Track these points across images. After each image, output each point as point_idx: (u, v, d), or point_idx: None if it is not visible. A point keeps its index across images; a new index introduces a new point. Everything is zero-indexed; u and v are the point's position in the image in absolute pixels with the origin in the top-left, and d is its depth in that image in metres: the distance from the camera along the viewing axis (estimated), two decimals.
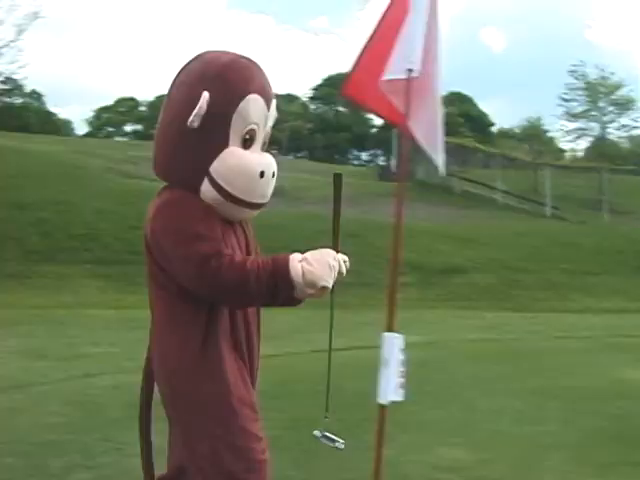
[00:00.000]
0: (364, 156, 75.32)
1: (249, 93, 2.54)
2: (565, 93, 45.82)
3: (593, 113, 46.27)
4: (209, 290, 2.43)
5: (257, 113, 2.58)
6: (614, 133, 47.66)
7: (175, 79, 2.62)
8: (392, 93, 2.11)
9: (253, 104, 2.55)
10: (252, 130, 2.57)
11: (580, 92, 45.93)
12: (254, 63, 2.65)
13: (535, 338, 13.80)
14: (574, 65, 45.67)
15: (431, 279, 22.06)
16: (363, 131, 69.00)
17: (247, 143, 2.57)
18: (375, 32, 2.29)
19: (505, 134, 64.34)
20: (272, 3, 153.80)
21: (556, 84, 49.91)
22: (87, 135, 69.51)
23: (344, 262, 2.52)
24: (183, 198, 2.49)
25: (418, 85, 2.11)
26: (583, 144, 51.05)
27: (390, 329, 2.04)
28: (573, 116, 46.27)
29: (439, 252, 23.84)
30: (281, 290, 2.40)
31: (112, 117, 76.22)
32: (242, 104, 2.52)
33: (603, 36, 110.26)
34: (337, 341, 3.04)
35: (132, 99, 77.22)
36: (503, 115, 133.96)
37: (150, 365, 2.73)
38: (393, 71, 2.12)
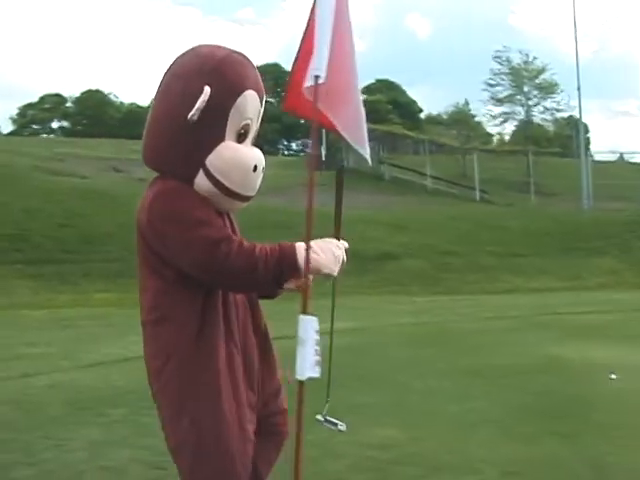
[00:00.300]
0: (294, 146, 75.43)
1: (246, 89, 2.62)
2: (490, 78, 46.43)
3: (518, 97, 46.97)
4: (217, 275, 2.48)
5: (252, 108, 2.66)
6: (539, 116, 48.44)
7: (168, 72, 2.67)
8: (312, 97, 2.28)
9: (249, 99, 2.63)
10: (247, 125, 2.65)
11: (504, 77, 46.57)
12: (247, 58, 2.71)
13: (464, 320, 14.15)
14: (498, 50, 46.36)
15: (367, 266, 22.33)
16: (293, 121, 69.05)
17: (241, 137, 2.65)
18: (299, 50, 2.44)
19: (433, 120, 64.96)
20: None
21: (481, 69, 50.50)
22: (12, 133, 68.22)
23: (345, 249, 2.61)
24: (180, 187, 2.53)
25: (332, 88, 2.26)
26: (510, 128, 51.83)
27: (305, 312, 2.22)
28: (498, 101, 46.83)
29: (372, 239, 24.12)
30: (286, 277, 2.49)
31: (37, 114, 74.85)
32: (239, 99, 2.60)
33: (526, 21, 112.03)
34: (281, 330, 3.20)
35: (58, 95, 75.88)
36: (431, 101, 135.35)
37: None
38: (309, 78, 2.28)
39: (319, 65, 2.18)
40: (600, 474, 4.90)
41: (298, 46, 2.52)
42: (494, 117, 47.79)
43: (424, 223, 27.18)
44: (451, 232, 26.53)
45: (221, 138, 2.58)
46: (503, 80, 46.46)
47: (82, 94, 72.05)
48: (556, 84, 45.89)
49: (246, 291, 2.69)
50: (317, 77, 2.19)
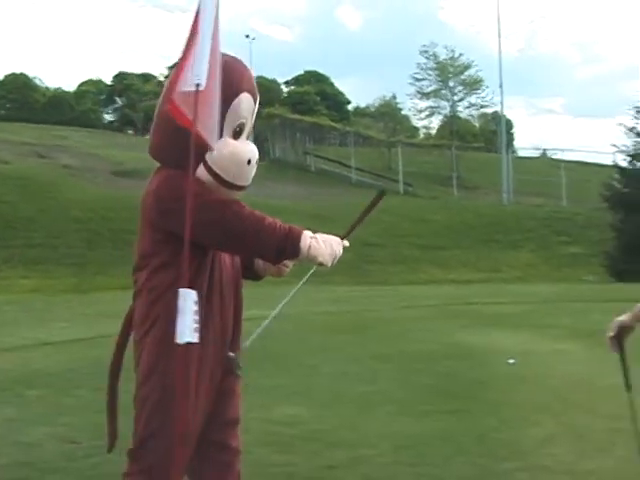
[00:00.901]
0: None
1: (242, 92, 2.97)
2: (417, 73, 47.10)
3: (443, 92, 47.72)
4: (226, 232, 2.81)
5: (247, 109, 3.01)
6: (464, 112, 49.34)
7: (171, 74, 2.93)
8: (183, 103, 2.54)
9: (245, 101, 2.98)
10: (242, 123, 2.99)
11: (431, 72, 47.28)
12: (243, 63, 3.08)
13: (382, 309, 14.62)
14: (425, 45, 47.03)
15: None
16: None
17: (237, 134, 2.99)
18: (183, 49, 2.71)
19: (361, 112, 65.55)
20: None
21: (410, 63, 51.05)
22: None
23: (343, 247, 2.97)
24: (184, 174, 2.77)
25: (203, 96, 2.55)
26: (436, 122, 52.62)
27: (184, 287, 2.55)
28: (424, 95, 47.56)
29: None
30: (287, 253, 2.84)
31: None
32: (236, 101, 2.94)
33: (455, 17, 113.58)
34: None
35: None
36: (359, 94, 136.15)
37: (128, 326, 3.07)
38: (185, 84, 2.54)
39: (199, 73, 2.49)
40: (483, 446, 5.33)
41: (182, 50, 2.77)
42: (420, 111, 48.53)
43: (348, 215, 27.38)
44: (375, 224, 26.93)
45: (219, 135, 2.88)
46: (429, 75, 47.13)
47: (6, 77, 70.56)
48: (481, 80, 46.73)
49: (248, 254, 3.05)
50: (198, 85, 2.49)
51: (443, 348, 9.48)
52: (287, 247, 2.83)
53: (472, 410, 6.35)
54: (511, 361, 8.40)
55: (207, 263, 2.95)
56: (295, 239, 2.84)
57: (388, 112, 49.68)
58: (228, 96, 2.89)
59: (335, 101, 68.17)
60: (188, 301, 2.51)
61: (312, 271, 3.04)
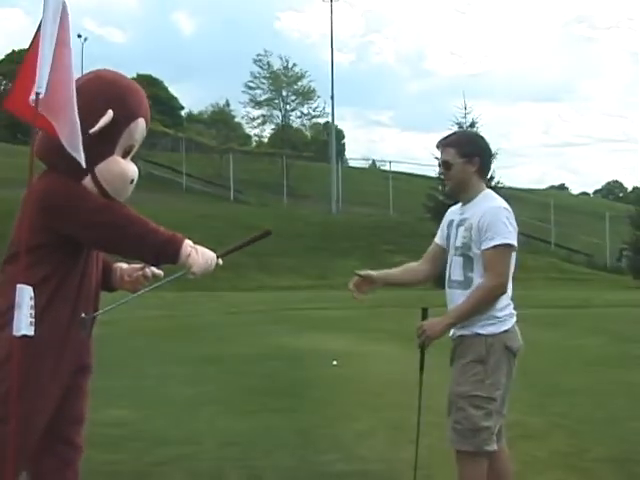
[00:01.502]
0: None
1: (138, 117, 3.18)
2: (250, 81, 47.44)
3: (276, 101, 48.30)
4: (116, 234, 3.01)
5: (140, 133, 3.22)
6: (296, 121, 50.07)
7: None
8: (48, 113, 2.66)
9: (140, 125, 3.20)
10: (132, 145, 3.22)
11: (264, 80, 47.75)
12: (141, 88, 3.29)
13: (210, 314, 14.75)
14: (259, 54, 47.45)
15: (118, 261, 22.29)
16: None
17: (125, 154, 3.19)
18: (28, 52, 2.78)
19: (194, 118, 65.26)
20: None
21: (244, 71, 51.28)
22: None
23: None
24: (72, 181, 3.04)
25: (53, 100, 2.64)
26: (268, 131, 53.10)
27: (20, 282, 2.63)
28: (257, 103, 47.97)
29: None
30: (166, 256, 3.05)
31: None
32: (132, 125, 3.15)
33: (290, 28, 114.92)
34: None
35: None
36: (193, 99, 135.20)
37: None
38: (32, 93, 2.65)
39: (40, 84, 2.59)
40: (306, 440, 5.58)
41: (27, 52, 2.86)
42: (253, 119, 48.89)
43: (177, 221, 27.25)
44: (204, 230, 26.79)
45: (111, 153, 3.12)
46: (263, 84, 47.57)
47: None
48: (313, 90, 47.62)
49: (130, 255, 3.20)
50: (38, 94, 2.59)
51: (269, 351, 9.72)
52: (168, 251, 3.04)
53: (296, 408, 6.58)
54: (335, 362, 8.71)
55: (80, 263, 3.11)
56: (177, 245, 3.04)
57: (221, 119, 49.80)
58: (127, 118, 3.14)
59: (168, 106, 67.32)
60: (25, 297, 2.60)
61: (180, 274, 3.20)
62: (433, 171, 32.87)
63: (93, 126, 3.00)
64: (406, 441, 5.48)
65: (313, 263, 27.47)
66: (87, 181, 3.10)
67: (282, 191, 37.93)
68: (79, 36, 61.33)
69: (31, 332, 2.65)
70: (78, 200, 3.04)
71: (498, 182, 28.89)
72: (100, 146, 3.08)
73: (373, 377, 8.07)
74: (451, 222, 3.87)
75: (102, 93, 3.13)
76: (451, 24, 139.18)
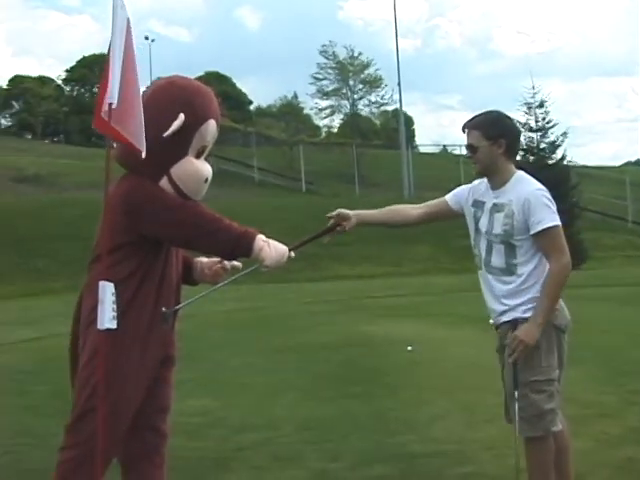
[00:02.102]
0: None
1: (209, 119, 3.38)
2: (317, 72, 47.59)
3: (343, 91, 48.34)
4: (191, 231, 3.20)
5: (211, 134, 3.42)
6: (364, 110, 50.00)
7: (146, 95, 3.27)
8: (119, 125, 2.85)
9: (210, 127, 3.39)
10: (205, 146, 3.42)
11: (331, 71, 47.85)
12: (211, 91, 3.48)
13: (285, 305, 14.97)
14: (324, 45, 47.56)
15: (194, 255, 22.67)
16: None
17: (199, 155, 3.39)
18: (105, 68, 2.97)
19: (263, 112, 65.69)
20: None
21: (310, 63, 51.42)
22: None
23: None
24: (150, 183, 3.27)
25: (122, 111, 2.83)
26: (337, 121, 53.17)
27: (103, 279, 2.82)
28: (325, 94, 48.11)
29: None
30: (240, 250, 3.24)
31: None
32: (203, 127, 3.36)
33: (353, 17, 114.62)
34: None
35: None
36: (261, 93, 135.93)
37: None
38: (106, 103, 2.83)
39: (112, 94, 2.78)
40: (381, 424, 5.73)
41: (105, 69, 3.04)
42: (321, 110, 49.03)
43: (250, 214, 27.67)
44: (277, 223, 27.15)
45: (185, 154, 3.33)
46: (329, 74, 47.66)
47: None
48: (381, 78, 47.52)
49: (206, 251, 3.47)
50: (110, 104, 2.77)
51: (343, 338, 9.87)
52: (242, 246, 3.22)
53: (371, 394, 6.73)
54: (409, 348, 8.81)
55: (161, 260, 3.32)
56: (249, 240, 3.22)
57: (290, 111, 50.04)
58: (198, 120, 3.33)
59: (237, 101, 67.88)
60: (107, 292, 2.80)
61: (254, 267, 3.39)
62: None
63: (167, 130, 3.19)
64: (480, 422, 5.61)
65: (387, 250, 27.50)
66: (164, 182, 3.30)
67: (354, 180, 38.02)
68: (146, 38, 62.20)
69: (114, 326, 2.85)
70: (157, 201, 3.23)
71: (570, 161, 28.53)
72: (174, 148, 3.29)
73: (447, 361, 8.15)
74: (481, 204, 3.83)
75: (174, 98, 3.33)
76: (516, 3, 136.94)
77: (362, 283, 20.90)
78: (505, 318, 3.76)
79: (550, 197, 3.69)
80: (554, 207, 3.68)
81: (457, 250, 27.65)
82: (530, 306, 3.66)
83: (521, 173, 3.82)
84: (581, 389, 6.24)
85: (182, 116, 3.24)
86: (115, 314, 2.88)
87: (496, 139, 3.73)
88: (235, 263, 3.55)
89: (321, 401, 6.50)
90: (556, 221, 3.64)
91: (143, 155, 2.96)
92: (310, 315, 12.82)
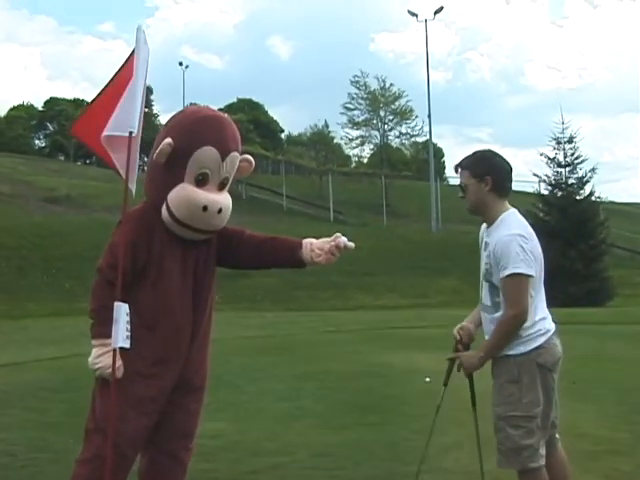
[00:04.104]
0: None
1: (205, 145, 3.35)
2: (348, 102, 47.89)
3: (374, 122, 48.56)
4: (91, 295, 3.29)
5: (210, 161, 3.39)
6: (395, 141, 50.19)
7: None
8: (109, 147, 2.93)
9: (207, 154, 3.36)
10: (204, 173, 3.39)
11: (362, 101, 48.15)
12: (224, 119, 3.51)
13: (308, 333, 15.01)
14: (356, 76, 47.93)
15: (220, 283, 22.73)
16: (151, 136, 68.65)
17: (201, 183, 3.38)
18: (107, 87, 3.07)
19: (294, 140, 66.06)
20: (56, 5, 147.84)
21: (341, 93, 51.81)
22: None
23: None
24: (143, 211, 3.41)
25: (125, 141, 2.94)
26: (367, 151, 53.38)
27: (119, 301, 2.93)
28: (355, 124, 48.36)
29: None
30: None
31: None
32: (197, 153, 3.34)
33: (385, 49, 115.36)
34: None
35: None
36: (292, 122, 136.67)
37: None
38: (113, 129, 2.92)
39: (133, 124, 2.90)
40: (393, 453, 5.78)
41: (108, 83, 3.14)
42: (351, 140, 49.29)
43: None
44: None
45: (180, 180, 3.34)
46: (360, 104, 47.97)
47: None
48: (411, 110, 47.77)
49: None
50: (131, 133, 2.90)
51: (362, 368, 9.91)
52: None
53: (387, 423, 6.78)
54: (427, 379, 8.83)
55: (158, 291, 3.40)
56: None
57: (320, 140, 50.29)
58: (191, 146, 3.32)
59: (269, 129, 68.45)
60: (122, 313, 2.91)
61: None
62: (532, 187, 32.55)
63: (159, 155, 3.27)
64: (491, 454, 5.62)
65: (413, 282, 27.50)
66: (164, 209, 3.35)
67: (382, 211, 38.06)
68: (180, 64, 63.01)
69: (127, 345, 2.96)
70: (107, 249, 3.37)
71: (598, 197, 28.39)
72: (170, 175, 3.33)
73: (464, 392, 8.15)
74: (481, 242, 3.92)
75: (173, 125, 3.39)
76: (548, 38, 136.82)
77: (386, 313, 20.91)
78: None
79: (526, 244, 3.64)
80: (526, 255, 3.61)
81: None
82: (516, 342, 3.73)
83: (508, 213, 3.81)
84: (594, 425, 6.26)
85: (168, 140, 3.25)
86: (129, 334, 2.98)
87: (482, 176, 3.76)
88: (349, 243, 3.68)
89: (337, 429, 6.56)
90: (518, 269, 3.59)
91: (133, 189, 3.06)
92: (332, 344, 12.87)
